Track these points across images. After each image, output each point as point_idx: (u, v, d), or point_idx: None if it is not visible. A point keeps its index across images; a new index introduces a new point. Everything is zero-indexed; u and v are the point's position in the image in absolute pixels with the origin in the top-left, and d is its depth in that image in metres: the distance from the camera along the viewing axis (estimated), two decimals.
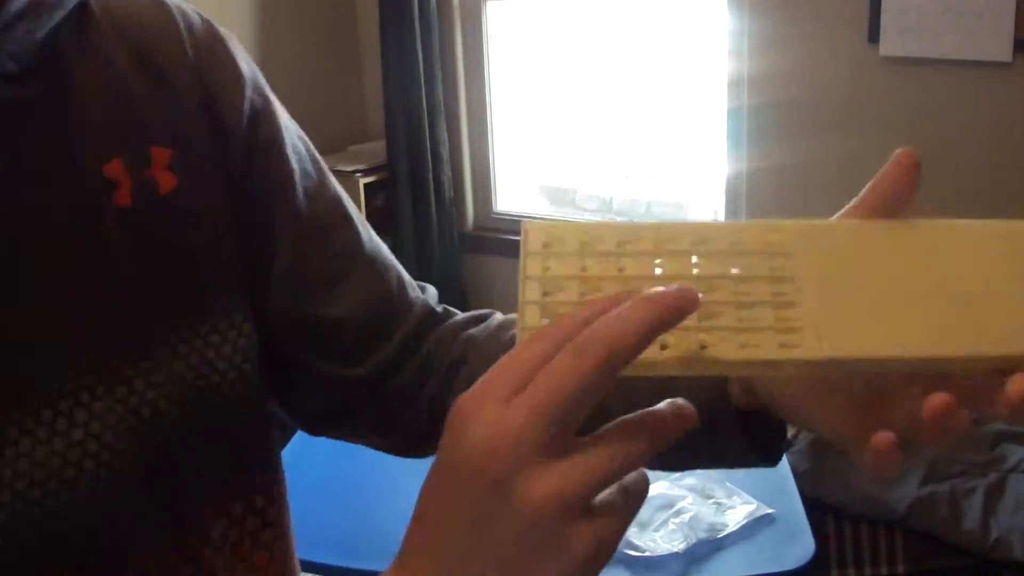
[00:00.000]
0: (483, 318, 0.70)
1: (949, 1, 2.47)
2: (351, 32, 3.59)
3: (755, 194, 2.93)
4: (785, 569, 1.42)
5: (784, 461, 1.59)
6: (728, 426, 0.52)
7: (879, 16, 2.57)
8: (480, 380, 0.39)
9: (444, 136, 3.34)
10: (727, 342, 0.41)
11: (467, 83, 3.43)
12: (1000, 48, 2.44)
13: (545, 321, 0.43)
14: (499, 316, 0.70)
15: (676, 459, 0.53)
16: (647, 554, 1.48)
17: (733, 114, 2.92)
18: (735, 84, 2.89)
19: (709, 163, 3.30)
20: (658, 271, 0.44)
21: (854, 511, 1.76)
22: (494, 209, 3.56)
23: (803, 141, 2.80)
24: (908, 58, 2.58)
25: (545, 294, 0.46)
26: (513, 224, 3.52)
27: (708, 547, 1.51)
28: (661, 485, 1.62)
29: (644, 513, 1.55)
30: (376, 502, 1.58)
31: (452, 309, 0.72)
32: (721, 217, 3.16)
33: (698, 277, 0.43)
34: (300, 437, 1.68)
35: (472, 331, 0.68)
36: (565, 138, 3.52)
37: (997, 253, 0.49)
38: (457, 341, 0.67)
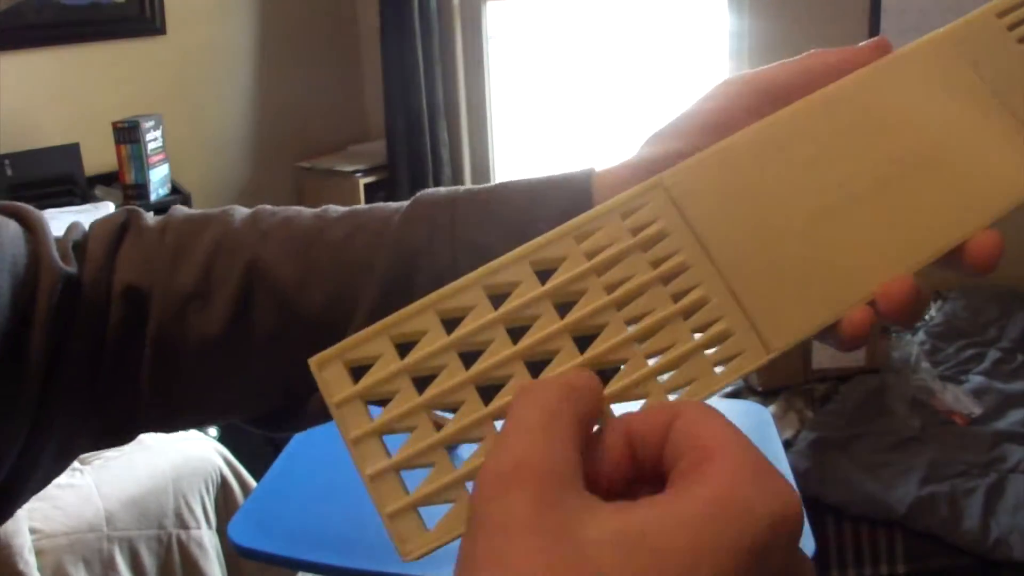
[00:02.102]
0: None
1: (949, 1, 2.47)
2: (351, 32, 3.59)
3: None
4: None
5: (784, 461, 1.60)
6: None
7: (879, 16, 2.57)
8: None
9: (444, 136, 3.34)
10: (653, 397, 0.31)
11: (467, 83, 3.43)
12: None
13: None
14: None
15: None
16: None
17: None
18: None
19: None
20: (498, 339, 0.32)
21: (854, 511, 1.76)
22: None
23: None
24: None
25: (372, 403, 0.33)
26: None
27: None
28: None
29: None
30: None
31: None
32: None
33: (567, 326, 0.32)
34: (298, 438, 1.68)
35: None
36: (565, 138, 3.52)
37: (923, 90, 0.36)
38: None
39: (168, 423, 0.48)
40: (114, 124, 2.70)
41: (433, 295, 0.33)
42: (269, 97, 3.35)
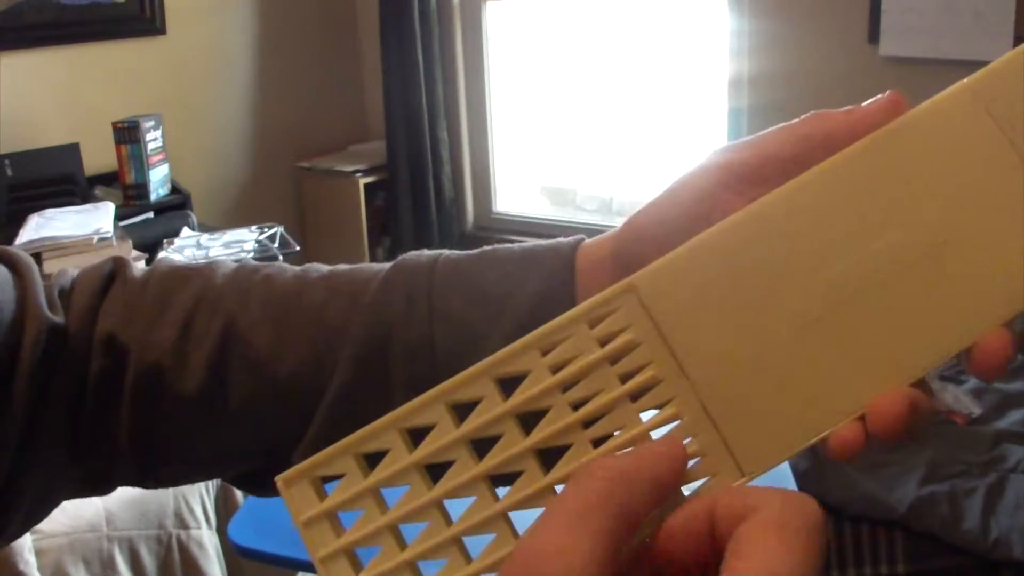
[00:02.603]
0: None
1: (949, 1, 2.47)
2: (351, 32, 3.59)
3: None
4: None
5: (784, 461, 1.60)
6: None
7: (879, 16, 2.57)
8: None
9: (444, 136, 3.34)
10: None
11: (467, 83, 3.43)
12: (1000, 48, 2.44)
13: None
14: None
15: None
16: None
17: (733, 114, 2.92)
18: (735, 84, 2.89)
19: None
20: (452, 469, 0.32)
21: (854, 511, 1.75)
22: (494, 209, 3.56)
23: None
24: (908, 58, 2.58)
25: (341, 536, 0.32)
26: (513, 224, 3.52)
27: None
28: None
29: None
30: None
31: None
32: None
33: (532, 445, 0.31)
34: None
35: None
36: (565, 138, 3.52)
37: (938, 161, 0.31)
38: None
39: (144, 478, 0.48)
40: (114, 124, 2.70)
41: (396, 412, 0.32)
42: (269, 97, 3.35)
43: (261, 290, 0.46)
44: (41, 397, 0.44)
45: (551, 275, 0.40)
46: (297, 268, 0.47)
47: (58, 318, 0.45)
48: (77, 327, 0.45)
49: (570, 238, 0.42)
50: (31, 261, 0.48)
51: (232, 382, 0.44)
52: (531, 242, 0.43)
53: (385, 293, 0.43)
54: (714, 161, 0.36)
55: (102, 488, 0.48)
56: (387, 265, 0.45)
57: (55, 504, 0.49)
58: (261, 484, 0.47)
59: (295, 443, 0.44)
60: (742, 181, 0.35)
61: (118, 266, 0.49)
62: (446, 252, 0.44)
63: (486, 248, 0.44)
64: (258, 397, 0.44)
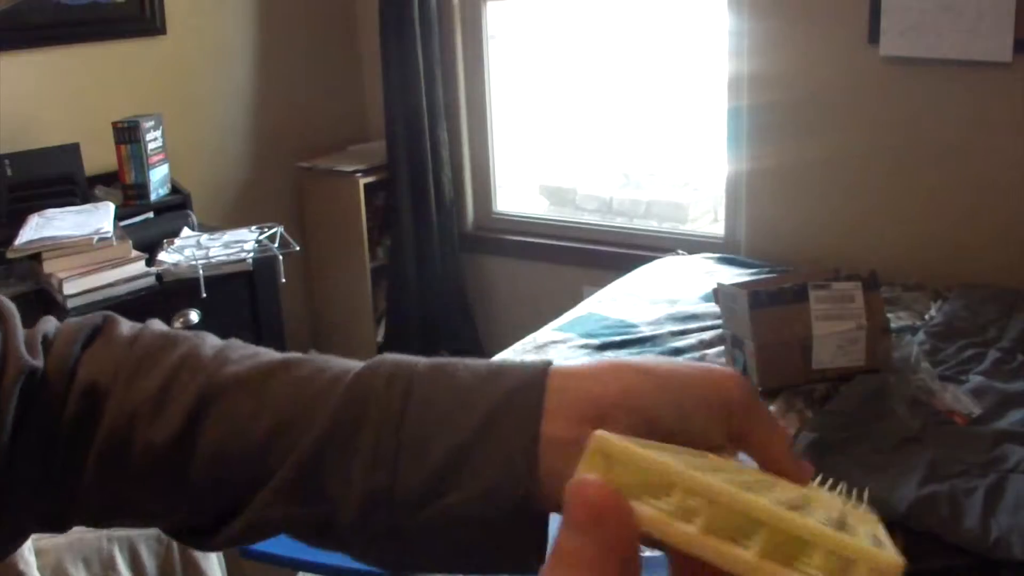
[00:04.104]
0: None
1: (949, 1, 2.47)
2: (351, 33, 3.59)
3: (755, 194, 2.92)
4: None
5: None
6: (520, 519, 0.42)
7: (879, 16, 2.57)
8: None
9: (444, 136, 3.34)
10: None
11: (467, 83, 3.43)
12: (1000, 48, 2.44)
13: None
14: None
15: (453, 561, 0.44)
16: (647, 554, 1.48)
17: (733, 114, 2.92)
18: (735, 84, 2.89)
19: (709, 163, 3.30)
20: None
21: None
22: (494, 209, 3.56)
23: (803, 141, 2.80)
24: (908, 58, 2.58)
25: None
26: (513, 224, 3.52)
27: None
28: None
29: None
30: None
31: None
32: (721, 216, 3.16)
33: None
34: None
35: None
36: (565, 138, 3.52)
37: None
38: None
39: (100, 519, 0.50)
40: (114, 124, 2.70)
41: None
42: (269, 97, 3.35)
43: (247, 360, 0.48)
44: (16, 435, 0.46)
45: (524, 379, 0.43)
46: (283, 355, 0.49)
47: (37, 362, 0.47)
48: (56, 373, 0.48)
49: (544, 360, 0.45)
50: (13, 308, 0.51)
51: (204, 435, 0.46)
52: (506, 360, 0.47)
53: (369, 374, 0.45)
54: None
55: (58, 526, 0.50)
56: (362, 364, 0.47)
57: (27, 536, 0.50)
58: (197, 540, 0.48)
59: (244, 504, 0.45)
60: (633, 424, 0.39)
61: (108, 322, 0.52)
62: (423, 363, 0.46)
63: (468, 359, 0.46)
64: (225, 454, 0.45)
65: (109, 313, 0.53)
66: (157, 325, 0.52)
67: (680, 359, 0.38)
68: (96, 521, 0.50)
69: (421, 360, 0.46)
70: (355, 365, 0.47)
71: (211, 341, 0.50)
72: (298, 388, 0.45)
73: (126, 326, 0.52)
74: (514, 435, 0.41)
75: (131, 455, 0.46)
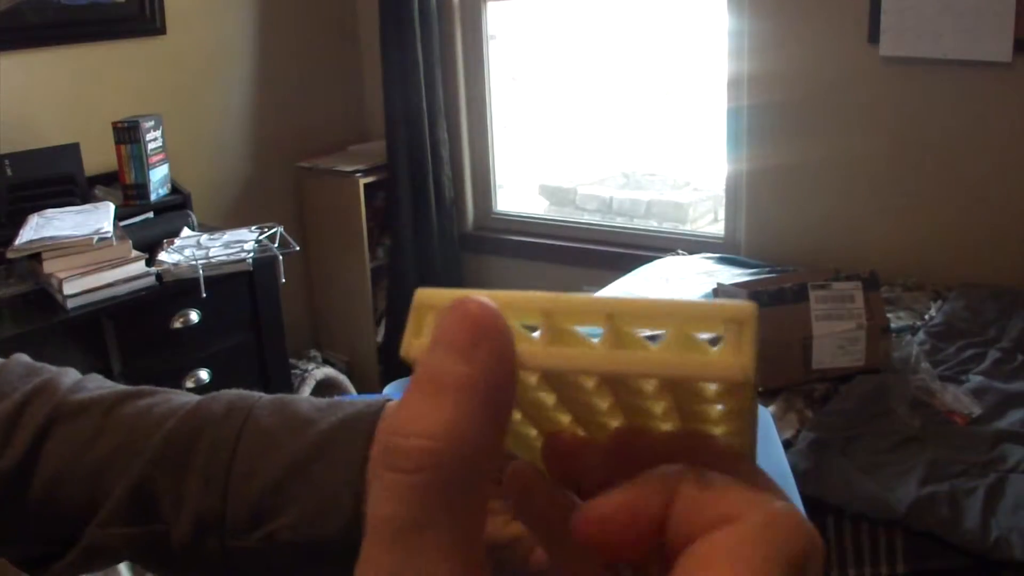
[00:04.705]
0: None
1: (949, 1, 2.47)
2: (351, 32, 3.59)
3: (755, 194, 2.92)
4: None
5: (784, 461, 1.59)
6: (348, 541, 0.41)
7: (879, 16, 2.57)
8: None
9: (444, 136, 3.34)
10: None
11: (467, 83, 3.43)
12: (1000, 48, 2.44)
13: None
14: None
15: None
16: None
17: (733, 114, 2.92)
18: (735, 84, 2.89)
19: (709, 163, 3.30)
20: None
21: (854, 511, 1.75)
22: (494, 209, 3.56)
23: (803, 141, 2.80)
24: (908, 58, 2.58)
25: None
26: (513, 224, 3.52)
27: None
28: None
29: None
30: None
31: None
32: (721, 216, 3.16)
33: None
34: None
35: None
36: (565, 138, 3.52)
37: None
38: None
39: None
40: (114, 124, 2.70)
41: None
42: (269, 97, 3.35)
43: (99, 391, 0.49)
44: None
45: (360, 409, 0.44)
46: (141, 387, 0.50)
47: None
48: None
49: (383, 396, 0.47)
50: None
51: (46, 458, 0.46)
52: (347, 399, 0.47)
53: (210, 401, 0.46)
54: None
55: None
56: (199, 399, 0.48)
57: None
58: (44, 569, 0.48)
59: (85, 526, 0.45)
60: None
61: None
62: (245, 414, 0.47)
63: (315, 398, 0.48)
64: (63, 476, 0.46)
65: None
66: (23, 358, 0.52)
67: None
68: None
69: (264, 395, 0.47)
70: (202, 398, 0.48)
71: (72, 375, 0.51)
72: (140, 414, 0.46)
73: None
74: (341, 461, 0.41)
75: None
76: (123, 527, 0.44)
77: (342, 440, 0.42)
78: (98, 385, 0.50)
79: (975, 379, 2.08)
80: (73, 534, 0.46)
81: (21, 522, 0.47)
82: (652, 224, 3.68)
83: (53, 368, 0.51)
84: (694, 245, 3.06)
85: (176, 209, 2.78)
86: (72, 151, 2.68)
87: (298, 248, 2.64)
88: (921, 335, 2.28)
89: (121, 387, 0.49)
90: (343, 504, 0.41)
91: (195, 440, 0.44)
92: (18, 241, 2.29)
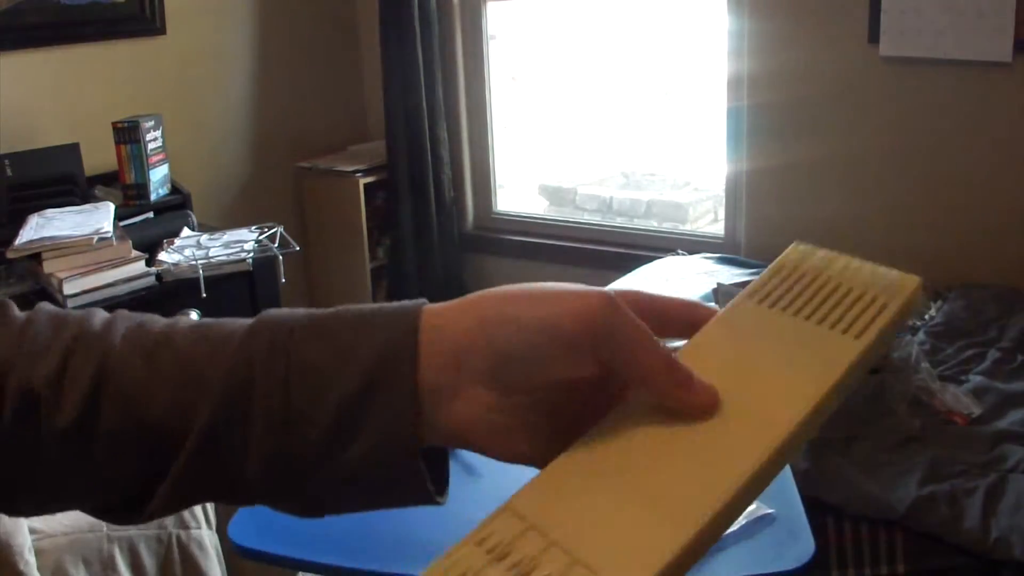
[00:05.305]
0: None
1: (949, 1, 2.47)
2: (351, 32, 3.59)
3: (755, 194, 2.93)
4: (785, 569, 1.42)
5: None
6: (412, 466, 0.45)
7: (879, 16, 2.57)
8: None
9: (444, 136, 3.34)
10: None
11: (467, 83, 3.43)
12: (1000, 48, 2.44)
13: None
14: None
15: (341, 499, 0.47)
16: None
17: (733, 114, 2.92)
18: (735, 84, 2.89)
19: (709, 163, 3.30)
20: None
21: (854, 511, 1.75)
22: (494, 209, 3.56)
23: (803, 141, 2.80)
24: (908, 58, 2.58)
25: None
26: (513, 224, 3.52)
27: None
28: None
29: None
30: None
31: None
32: (721, 216, 3.16)
33: None
34: None
35: None
36: (565, 138, 3.52)
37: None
38: None
39: (9, 508, 0.51)
40: (114, 124, 2.70)
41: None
42: (269, 97, 3.35)
43: (135, 334, 0.48)
44: None
45: (396, 330, 0.44)
46: (169, 319, 0.50)
47: None
48: None
49: (415, 302, 0.46)
50: None
51: (104, 416, 0.46)
52: (378, 305, 0.47)
53: (250, 341, 0.46)
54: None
55: None
56: (251, 320, 0.48)
57: None
58: (119, 515, 0.49)
59: (159, 479, 0.46)
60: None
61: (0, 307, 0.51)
62: (304, 310, 0.47)
63: (341, 307, 0.47)
64: (127, 433, 0.46)
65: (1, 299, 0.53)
66: (48, 306, 0.52)
67: (563, 285, 0.37)
68: (8, 509, 0.50)
69: (300, 314, 0.47)
70: (237, 326, 0.47)
71: (100, 316, 0.50)
72: (185, 363, 0.46)
73: (16, 310, 0.52)
74: (394, 391, 0.43)
75: (36, 442, 0.47)
76: (196, 478, 0.46)
77: (388, 374, 0.43)
78: (125, 326, 0.49)
79: (975, 379, 2.08)
80: (141, 485, 0.47)
81: (88, 476, 0.47)
82: (652, 224, 3.68)
83: (77, 313, 0.50)
84: (694, 245, 3.06)
85: (176, 209, 2.78)
86: (72, 151, 2.68)
87: (298, 248, 2.64)
88: (921, 335, 2.28)
89: (151, 326, 0.49)
90: (402, 432, 0.43)
91: (248, 390, 0.45)
92: (18, 241, 2.29)
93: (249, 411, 0.44)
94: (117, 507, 0.49)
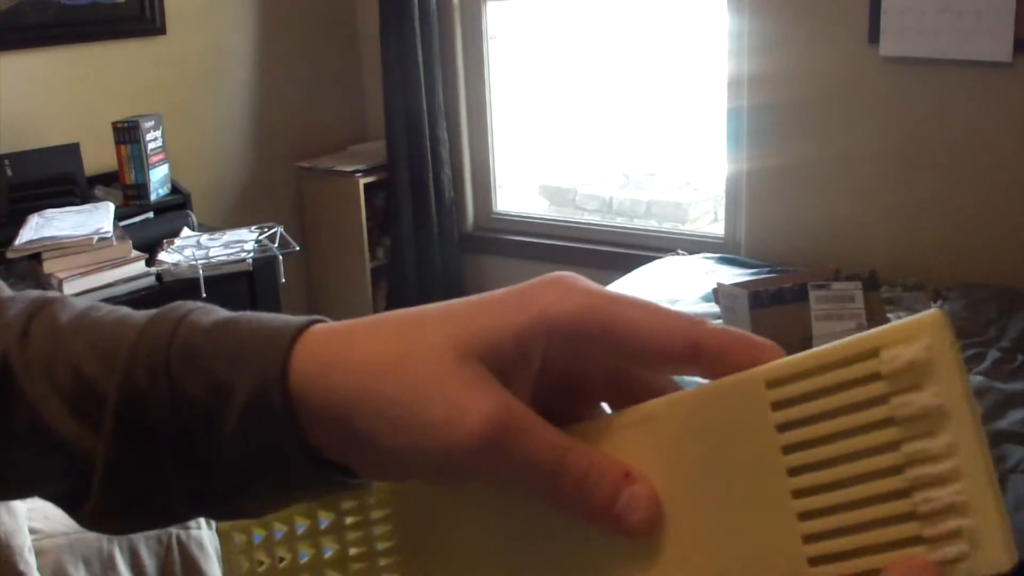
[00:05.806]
0: None
1: (949, 1, 2.47)
2: (351, 32, 3.59)
3: (755, 194, 2.93)
4: None
5: None
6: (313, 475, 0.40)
7: (879, 16, 2.57)
8: None
9: (444, 136, 3.34)
10: None
11: (467, 83, 3.43)
12: (1000, 48, 2.44)
13: None
14: None
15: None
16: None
17: (733, 114, 2.92)
18: (735, 84, 2.89)
19: (709, 163, 3.30)
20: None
21: None
22: (494, 209, 3.56)
23: (803, 141, 2.80)
24: (908, 58, 2.58)
25: None
26: (513, 224, 3.52)
27: None
28: None
29: None
30: None
31: None
32: (721, 216, 3.16)
33: None
34: None
35: None
36: (565, 138, 3.52)
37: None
38: None
39: None
40: (114, 124, 2.70)
41: None
42: (269, 97, 3.35)
43: (40, 328, 0.46)
44: None
45: (264, 369, 0.39)
46: (83, 306, 0.47)
47: None
48: None
49: (302, 319, 0.42)
50: None
51: (14, 413, 0.45)
52: (266, 317, 0.43)
53: (131, 364, 0.43)
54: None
55: None
56: (144, 320, 0.44)
57: None
58: (71, 507, 0.46)
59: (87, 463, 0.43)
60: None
61: None
62: (188, 319, 0.43)
63: (222, 321, 0.43)
64: (38, 431, 0.44)
65: None
66: (31, 293, 0.49)
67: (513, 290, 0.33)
68: None
69: (176, 336, 0.43)
70: (126, 332, 0.44)
71: (20, 301, 0.48)
72: (76, 374, 0.44)
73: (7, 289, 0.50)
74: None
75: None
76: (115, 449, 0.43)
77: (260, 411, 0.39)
78: (35, 314, 0.47)
79: (975, 379, 2.08)
80: (77, 479, 0.44)
81: (18, 466, 0.46)
82: (652, 224, 3.68)
83: (58, 298, 0.48)
84: (694, 245, 3.06)
85: (176, 209, 2.78)
86: (72, 151, 2.68)
87: (298, 248, 2.65)
88: None
89: (55, 323, 0.46)
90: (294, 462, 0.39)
91: (142, 417, 0.42)
92: (18, 241, 2.29)
93: (151, 439, 0.42)
94: (58, 497, 0.46)
